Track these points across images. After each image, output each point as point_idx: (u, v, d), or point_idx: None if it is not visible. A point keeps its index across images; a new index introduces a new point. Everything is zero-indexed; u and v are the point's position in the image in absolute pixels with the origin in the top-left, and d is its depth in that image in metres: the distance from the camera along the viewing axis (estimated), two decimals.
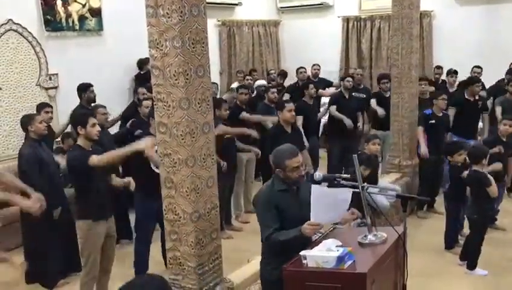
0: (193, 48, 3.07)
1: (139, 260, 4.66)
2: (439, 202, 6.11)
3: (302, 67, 8.43)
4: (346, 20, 10.13)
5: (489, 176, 4.73)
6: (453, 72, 7.82)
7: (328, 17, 10.30)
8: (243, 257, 4.00)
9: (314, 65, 8.91)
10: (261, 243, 3.17)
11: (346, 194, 3.11)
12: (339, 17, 10.21)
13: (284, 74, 9.30)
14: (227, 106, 5.75)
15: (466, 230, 5.12)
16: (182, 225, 3.27)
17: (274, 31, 10.67)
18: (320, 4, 10.22)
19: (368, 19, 9.93)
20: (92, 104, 6.08)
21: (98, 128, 3.98)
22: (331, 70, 9.66)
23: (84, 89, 6.20)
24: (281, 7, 10.74)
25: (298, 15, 10.54)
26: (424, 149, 6.16)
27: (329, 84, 8.79)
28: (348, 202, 3.13)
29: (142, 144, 3.91)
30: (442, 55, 9.09)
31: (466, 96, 6.77)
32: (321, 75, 8.85)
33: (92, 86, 6.23)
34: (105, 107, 5.66)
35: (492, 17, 8.67)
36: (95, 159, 3.78)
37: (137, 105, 6.17)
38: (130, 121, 6.05)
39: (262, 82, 8.46)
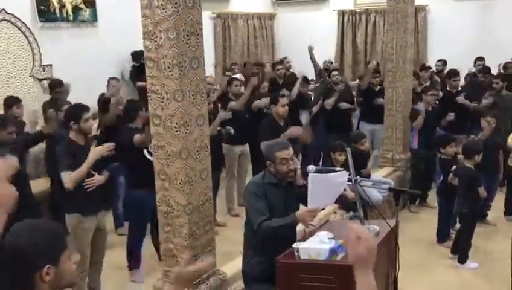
0: (188, 39, 3.07)
1: (133, 255, 4.63)
2: (432, 197, 6.16)
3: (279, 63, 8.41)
4: (342, 13, 10.12)
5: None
6: (427, 68, 7.89)
7: (323, 10, 10.29)
8: (236, 249, 4.01)
9: (284, 59, 9.00)
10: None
11: (343, 177, 3.16)
12: (334, 10, 10.20)
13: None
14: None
15: (458, 224, 5.15)
16: (176, 217, 3.28)
17: (269, 24, 10.64)
18: None
19: (363, 13, 9.93)
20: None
21: (92, 122, 3.92)
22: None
23: (52, 88, 5.95)
24: (277, 0, 10.71)
25: (293, 8, 10.52)
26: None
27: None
28: (344, 184, 3.18)
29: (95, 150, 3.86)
30: (436, 49, 9.11)
31: (448, 89, 6.81)
32: None
33: (61, 86, 5.92)
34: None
35: (486, 12, 8.70)
36: (68, 181, 3.75)
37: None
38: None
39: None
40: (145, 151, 4.39)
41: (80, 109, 3.91)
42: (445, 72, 7.70)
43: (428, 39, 9.35)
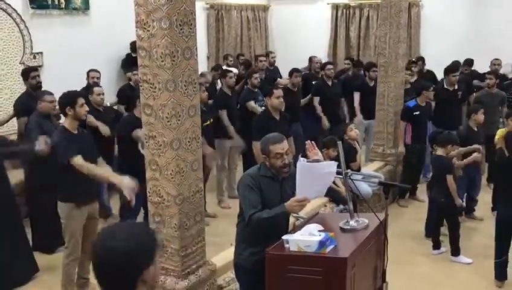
0: (180, 29, 3.05)
1: None
2: (421, 191, 6.21)
3: (261, 55, 8.39)
4: (336, 7, 10.12)
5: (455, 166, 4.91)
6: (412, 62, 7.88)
7: (317, 3, 10.28)
8: (225, 241, 4.03)
9: (271, 53, 8.95)
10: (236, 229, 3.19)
11: (331, 167, 3.15)
12: (328, 4, 10.19)
13: (246, 64, 8.59)
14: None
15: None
16: (166, 207, 3.28)
17: (263, 16, 10.61)
18: None
19: (357, 7, 9.94)
20: (38, 91, 5.37)
21: (86, 108, 3.98)
22: (319, 57, 9.65)
23: (26, 75, 5.58)
24: None
25: (287, 0, 10.49)
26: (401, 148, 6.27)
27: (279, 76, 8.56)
28: (333, 175, 3.18)
29: (123, 182, 3.58)
30: (429, 45, 9.15)
31: (445, 86, 6.80)
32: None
33: (36, 70, 5.69)
34: (52, 94, 4.88)
35: (480, 8, 8.74)
36: (76, 162, 3.72)
37: (87, 92, 5.61)
38: None
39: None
40: (139, 145, 4.43)
41: (74, 94, 3.99)
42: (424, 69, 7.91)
43: (421, 34, 9.38)
